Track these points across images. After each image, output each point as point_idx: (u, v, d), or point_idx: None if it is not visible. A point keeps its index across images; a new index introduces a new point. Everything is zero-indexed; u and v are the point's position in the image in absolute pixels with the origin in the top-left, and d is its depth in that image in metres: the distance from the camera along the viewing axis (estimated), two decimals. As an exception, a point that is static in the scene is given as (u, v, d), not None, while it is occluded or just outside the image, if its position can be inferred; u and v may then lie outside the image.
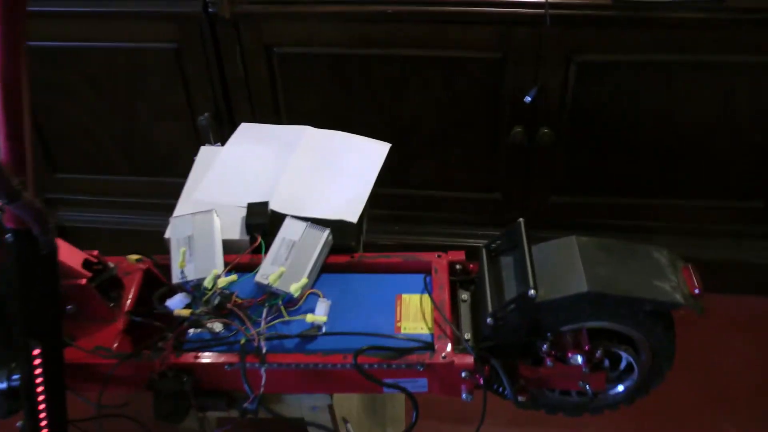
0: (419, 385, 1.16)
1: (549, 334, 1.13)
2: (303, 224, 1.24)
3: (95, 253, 1.18)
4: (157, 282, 1.25)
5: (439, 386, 1.16)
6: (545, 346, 1.12)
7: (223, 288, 1.17)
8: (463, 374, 1.12)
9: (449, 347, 1.13)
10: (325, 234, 1.23)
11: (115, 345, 1.17)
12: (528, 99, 1.68)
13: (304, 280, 1.16)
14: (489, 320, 1.11)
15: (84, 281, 1.14)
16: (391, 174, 1.88)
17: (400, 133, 1.83)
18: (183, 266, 1.19)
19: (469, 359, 1.11)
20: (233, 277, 1.17)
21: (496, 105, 1.75)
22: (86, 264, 1.15)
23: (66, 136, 1.99)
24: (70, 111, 1.92)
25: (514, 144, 1.77)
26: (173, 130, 1.91)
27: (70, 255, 1.14)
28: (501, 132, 1.79)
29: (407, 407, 1.73)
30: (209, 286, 1.17)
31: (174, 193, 1.38)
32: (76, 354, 1.15)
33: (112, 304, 1.19)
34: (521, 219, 1.17)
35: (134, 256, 1.21)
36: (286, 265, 1.20)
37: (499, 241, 1.20)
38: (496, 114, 1.77)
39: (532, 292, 1.06)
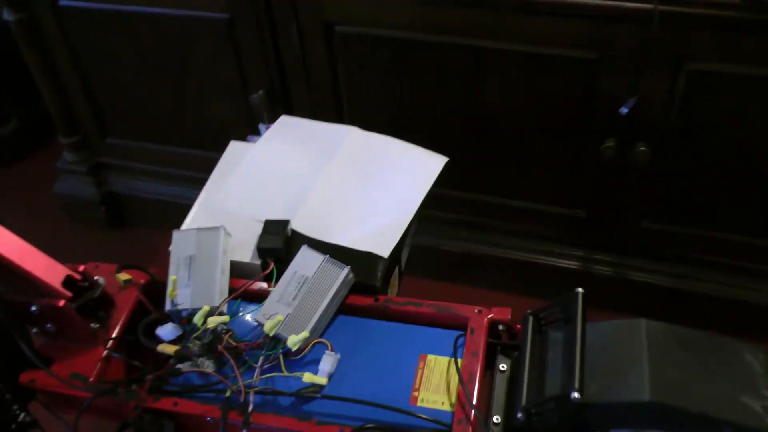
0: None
1: (597, 432, 0.91)
2: (319, 258, 1.05)
3: (81, 268, 1.03)
4: (159, 299, 1.10)
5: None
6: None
7: (215, 327, 1.00)
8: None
9: (470, 436, 0.93)
10: (344, 274, 1.04)
11: (95, 372, 1.03)
12: (624, 110, 1.42)
13: (304, 334, 0.97)
14: (520, 415, 0.90)
15: (62, 303, 0.99)
16: (462, 176, 1.69)
17: (474, 134, 1.61)
18: (173, 296, 1.03)
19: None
20: (225, 318, 1.00)
21: (587, 113, 1.49)
22: (68, 282, 1.00)
23: (116, 101, 1.86)
24: (119, 77, 1.79)
25: (604, 159, 1.52)
26: (225, 105, 1.75)
27: (49, 271, 0.99)
28: (590, 144, 1.53)
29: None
30: (198, 324, 1.00)
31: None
32: (50, 380, 1.01)
33: (97, 326, 1.05)
34: (580, 290, 0.94)
35: (124, 276, 1.05)
36: (293, 306, 1.02)
37: (550, 310, 0.97)
38: (585, 123, 1.51)
39: (575, 395, 0.84)
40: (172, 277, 1.02)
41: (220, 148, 1.82)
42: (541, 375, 0.92)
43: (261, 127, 1.42)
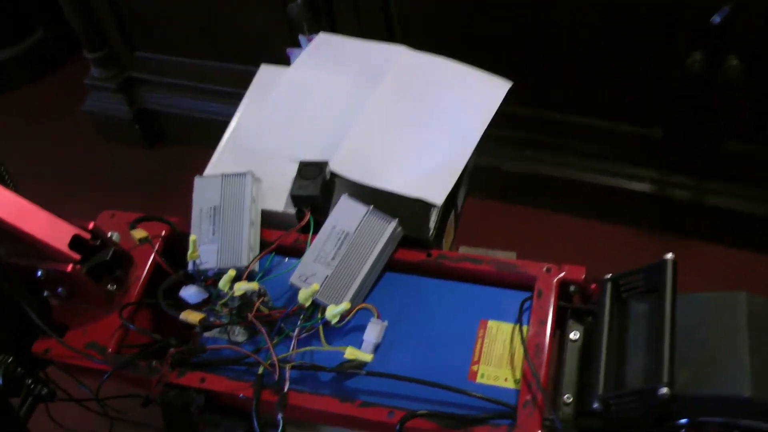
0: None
1: (684, 421, 0.77)
2: (362, 210, 0.91)
3: (91, 225, 0.90)
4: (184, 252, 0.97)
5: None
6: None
7: (244, 294, 0.87)
8: (551, 465, 0.79)
9: (537, 420, 0.79)
10: (390, 228, 0.89)
11: (113, 340, 0.92)
12: (716, 19, 1.22)
13: (344, 306, 0.84)
14: (596, 405, 0.76)
15: (70, 267, 0.87)
16: (526, 91, 1.50)
17: (540, 47, 1.43)
18: (194, 257, 0.90)
19: (563, 447, 0.78)
20: (254, 285, 0.87)
21: (671, 23, 1.29)
22: (76, 242, 0.88)
23: (144, 10, 1.70)
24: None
25: (688, 74, 1.32)
26: (261, 15, 1.58)
27: (53, 231, 0.86)
28: (674, 56, 1.33)
29: None
30: (225, 289, 0.87)
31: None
32: (65, 350, 0.91)
33: (113, 287, 0.93)
34: (670, 256, 0.78)
35: (139, 233, 0.92)
36: (332, 267, 0.88)
37: (632, 276, 0.82)
38: (669, 33, 1.31)
39: (664, 390, 0.70)
40: (191, 238, 0.89)
41: (258, 62, 1.67)
42: (622, 357, 0.78)
43: (301, 39, 1.25)
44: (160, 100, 1.90)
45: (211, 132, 1.88)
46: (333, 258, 0.89)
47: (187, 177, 1.90)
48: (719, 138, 1.44)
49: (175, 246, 0.98)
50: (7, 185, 0.85)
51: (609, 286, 0.83)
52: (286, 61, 1.30)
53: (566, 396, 0.83)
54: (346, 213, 0.91)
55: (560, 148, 1.62)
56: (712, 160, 1.49)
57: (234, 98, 1.78)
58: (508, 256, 1.53)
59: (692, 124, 1.45)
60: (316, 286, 0.84)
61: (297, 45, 1.23)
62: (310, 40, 1.19)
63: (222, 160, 1.03)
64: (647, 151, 1.55)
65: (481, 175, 1.21)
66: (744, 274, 1.56)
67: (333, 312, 0.83)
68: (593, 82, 1.46)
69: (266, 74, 1.12)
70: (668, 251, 0.78)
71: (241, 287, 0.85)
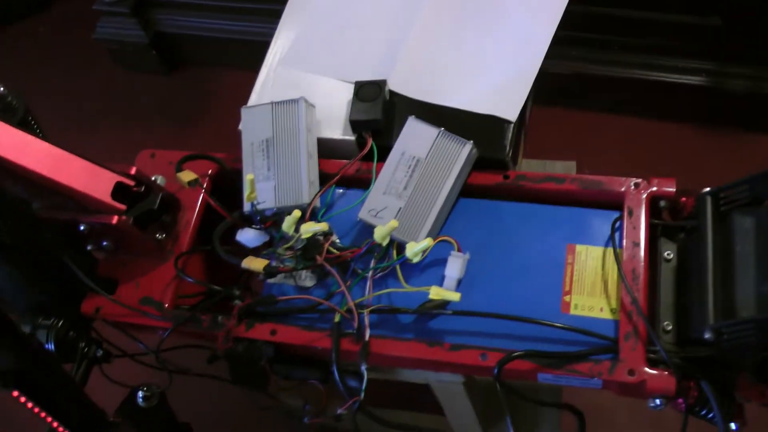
0: (590, 383, 0.77)
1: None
2: (432, 132, 0.81)
3: (133, 170, 0.81)
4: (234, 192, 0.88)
5: (618, 390, 0.76)
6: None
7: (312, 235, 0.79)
8: (658, 401, 0.72)
9: (641, 353, 0.72)
10: (466, 151, 0.80)
11: (169, 294, 0.84)
12: None
13: (426, 243, 0.75)
14: (708, 335, 0.68)
15: (115, 219, 0.78)
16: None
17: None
18: (252, 198, 0.81)
19: (670, 382, 0.70)
20: (323, 225, 0.78)
21: None
22: (119, 190, 0.79)
23: None
24: None
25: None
26: None
27: (93, 180, 0.77)
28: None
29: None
30: (290, 232, 0.79)
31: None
32: (118, 307, 0.83)
33: (163, 235, 0.85)
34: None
35: (187, 175, 0.83)
36: (404, 198, 0.80)
37: (734, 188, 0.73)
38: None
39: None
40: (248, 177, 0.80)
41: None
42: (729, 279, 0.70)
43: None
44: (176, 21, 1.79)
45: (231, 51, 1.78)
46: (405, 188, 0.80)
47: (212, 101, 1.81)
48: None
49: (225, 184, 0.90)
50: (35, 134, 0.75)
51: (708, 200, 0.74)
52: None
53: (665, 323, 0.75)
54: (415, 137, 0.81)
55: (608, 44, 1.52)
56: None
57: (254, 14, 1.69)
58: (568, 167, 1.45)
59: (754, 9, 1.33)
60: (394, 223, 0.76)
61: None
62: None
63: (266, 86, 0.93)
64: (703, 42, 1.45)
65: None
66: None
67: (414, 250, 0.74)
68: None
69: (303, -16, 1.00)
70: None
71: (309, 229, 0.77)
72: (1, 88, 0.83)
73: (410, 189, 0.80)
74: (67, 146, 0.77)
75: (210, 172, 0.90)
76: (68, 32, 2.04)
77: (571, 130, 1.60)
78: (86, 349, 0.84)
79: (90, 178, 0.77)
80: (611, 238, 0.79)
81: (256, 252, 0.83)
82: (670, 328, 0.75)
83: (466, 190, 0.84)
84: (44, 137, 0.76)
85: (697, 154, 1.53)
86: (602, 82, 1.55)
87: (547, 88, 1.54)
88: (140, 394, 0.83)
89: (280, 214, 0.82)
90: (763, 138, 1.53)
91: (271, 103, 0.86)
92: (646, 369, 0.71)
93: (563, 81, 1.56)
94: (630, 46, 1.51)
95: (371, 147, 0.85)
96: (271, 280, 0.83)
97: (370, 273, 0.79)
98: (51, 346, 0.82)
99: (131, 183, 0.80)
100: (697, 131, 1.57)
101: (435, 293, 0.75)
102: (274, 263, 0.81)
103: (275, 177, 0.83)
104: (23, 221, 0.78)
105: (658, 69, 1.51)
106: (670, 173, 0.81)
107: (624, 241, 0.78)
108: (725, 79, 1.49)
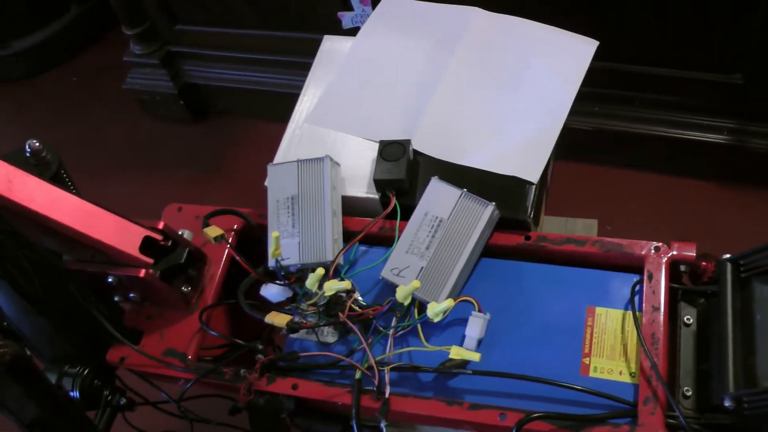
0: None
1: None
2: (455, 193, 0.83)
3: (161, 225, 0.83)
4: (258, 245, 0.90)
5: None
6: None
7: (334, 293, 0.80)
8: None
9: (660, 418, 0.72)
10: (488, 212, 0.81)
11: (192, 346, 0.85)
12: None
13: (447, 303, 0.76)
14: (728, 403, 0.68)
15: (143, 272, 0.80)
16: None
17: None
18: (277, 255, 0.82)
19: (693, 450, 0.71)
20: (346, 284, 0.80)
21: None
22: (147, 244, 0.81)
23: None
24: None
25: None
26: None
27: (122, 234, 0.79)
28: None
29: None
30: (313, 289, 0.80)
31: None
32: (142, 358, 0.85)
33: (188, 288, 0.86)
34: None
35: (213, 231, 0.85)
36: (426, 258, 0.81)
37: (754, 255, 0.73)
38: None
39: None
40: (273, 234, 0.82)
41: (303, 28, 1.58)
42: (749, 346, 0.70)
43: (353, 0, 1.17)
44: (203, 73, 1.82)
45: (256, 102, 1.82)
46: (427, 248, 0.81)
47: (236, 151, 1.84)
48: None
49: (250, 238, 0.91)
50: (68, 189, 0.78)
51: (729, 267, 0.74)
52: (335, 25, 1.22)
53: (685, 389, 0.75)
54: (438, 197, 0.83)
55: (631, 101, 1.53)
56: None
57: (279, 66, 1.72)
58: (589, 225, 1.46)
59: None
60: (416, 284, 0.77)
61: (348, 8, 1.15)
62: (363, 3, 1.10)
63: (293, 143, 0.95)
64: (725, 100, 1.45)
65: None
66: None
67: (435, 311, 0.75)
68: (667, 27, 1.36)
69: (330, 46, 1.03)
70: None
71: (333, 287, 0.78)
72: (37, 144, 0.85)
73: (432, 249, 0.81)
74: (96, 194, 0.79)
75: (236, 226, 0.92)
76: (96, 82, 2.09)
77: (592, 185, 1.61)
78: (110, 397, 0.85)
79: (119, 233, 0.79)
80: (631, 301, 0.80)
81: (279, 306, 0.84)
82: (690, 393, 0.75)
83: (487, 251, 0.85)
84: (76, 191, 0.79)
85: (719, 212, 1.53)
86: (624, 138, 1.56)
87: (569, 143, 1.56)
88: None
89: (304, 270, 0.84)
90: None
91: (297, 161, 0.88)
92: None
93: (585, 137, 1.57)
94: (652, 103, 1.52)
95: (395, 206, 0.87)
96: (293, 335, 0.84)
97: (392, 331, 0.80)
98: (76, 394, 0.83)
99: (159, 237, 0.82)
100: (719, 188, 1.58)
101: (455, 353, 0.76)
102: (297, 319, 0.82)
103: (300, 234, 0.85)
104: (54, 274, 0.80)
105: (680, 126, 1.52)
106: (692, 230, 0.81)
107: (644, 305, 0.78)
108: (747, 137, 1.49)
